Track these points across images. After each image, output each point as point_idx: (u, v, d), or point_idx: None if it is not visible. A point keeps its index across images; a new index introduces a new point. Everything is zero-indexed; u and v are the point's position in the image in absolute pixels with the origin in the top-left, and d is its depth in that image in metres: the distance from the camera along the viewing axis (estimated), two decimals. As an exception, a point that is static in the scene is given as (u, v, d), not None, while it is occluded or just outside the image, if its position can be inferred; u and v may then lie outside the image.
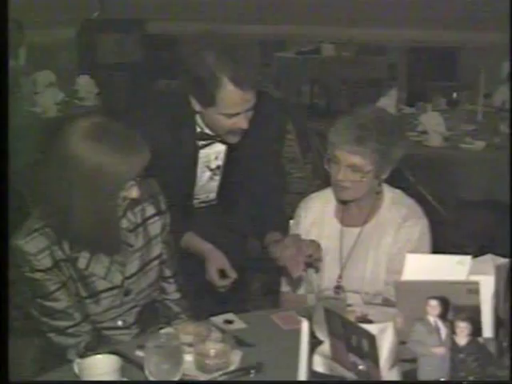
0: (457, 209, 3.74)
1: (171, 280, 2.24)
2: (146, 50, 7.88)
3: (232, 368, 1.76)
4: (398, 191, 2.33)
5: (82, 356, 1.96)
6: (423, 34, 7.94)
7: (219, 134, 2.32)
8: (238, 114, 2.20)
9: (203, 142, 2.37)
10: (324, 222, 2.35)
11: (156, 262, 2.16)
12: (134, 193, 1.94)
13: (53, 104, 5.03)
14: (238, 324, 2.00)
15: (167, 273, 2.23)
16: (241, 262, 2.62)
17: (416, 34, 8.04)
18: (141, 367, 1.73)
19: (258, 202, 2.49)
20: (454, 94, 4.95)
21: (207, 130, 2.33)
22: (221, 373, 1.73)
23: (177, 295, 2.26)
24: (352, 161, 2.16)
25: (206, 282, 2.37)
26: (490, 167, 3.89)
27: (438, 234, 2.40)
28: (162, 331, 1.62)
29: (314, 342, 1.75)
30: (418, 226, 2.25)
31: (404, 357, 1.04)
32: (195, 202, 2.50)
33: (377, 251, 2.25)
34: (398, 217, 2.26)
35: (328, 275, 2.30)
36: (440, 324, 1.05)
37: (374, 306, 2.10)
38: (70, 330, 2.01)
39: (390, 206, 2.29)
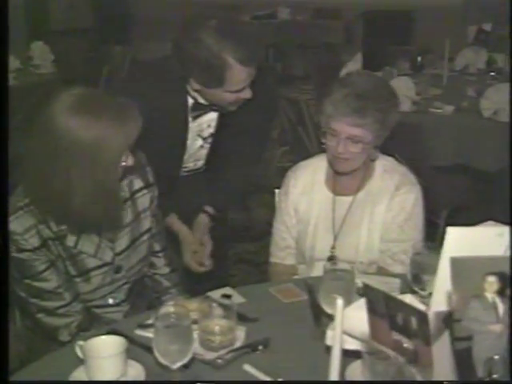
0: (428, 174, 3.73)
1: (160, 254, 2.18)
2: (99, 15, 7.65)
3: (238, 344, 1.71)
4: (390, 158, 2.29)
5: (75, 336, 1.90)
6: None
7: (220, 105, 2.29)
8: (243, 88, 2.20)
9: (197, 113, 2.31)
10: (314, 191, 2.30)
11: (146, 237, 2.08)
12: (130, 160, 1.85)
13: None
14: (237, 298, 1.94)
15: (156, 247, 2.16)
16: (222, 231, 2.60)
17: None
18: (144, 347, 1.67)
19: (245, 168, 2.48)
20: (419, 58, 4.94)
21: (202, 101, 2.28)
22: (227, 350, 1.68)
23: (166, 269, 2.20)
24: (353, 133, 2.09)
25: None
26: (459, 131, 3.89)
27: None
28: (169, 309, 1.54)
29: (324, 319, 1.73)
30: (412, 193, 2.21)
31: (459, 335, 1.00)
32: (183, 170, 2.45)
33: (370, 219, 2.21)
34: (391, 184, 2.22)
35: (321, 245, 2.26)
36: (498, 300, 1.02)
37: (370, 276, 2.08)
38: (60, 311, 1.93)
39: (382, 173, 2.25)
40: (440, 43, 5.02)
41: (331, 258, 2.24)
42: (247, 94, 2.22)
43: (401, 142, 3.82)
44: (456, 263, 1.01)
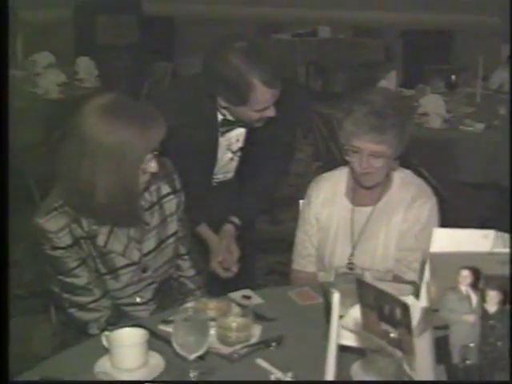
0: (457, 190, 3.79)
1: (186, 257, 2.30)
2: (142, 31, 7.87)
3: (253, 341, 1.81)
4: (407, 171, 2.38)
5: (104, 330, 2.03)
6: (419, 17, 7.96)
7: (245, 122, 2.42)
8: (268, 107, 2.32)
9: (226, 128, 2.45)
10: (335, 202, 2.40)
11: (172, 240, 2.21)
12: (153, 166, 1.98)
13: (54, 85, 5.03)
14: (256, 299, 2.05)
15: (182, 250, 2.28)
16: (250, 239, 2.73)
17: (412, 16, 8.06)
18: (165, 340, 1.79)
19: (271, 180, 2.60)
20: (453, 77, 5.01)
21: (230, 117, 2.41)
22: (242, 345, 1.79)
23: (191, 272, 2.32)
24: (374, 149, 2.19)
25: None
26: (489, 149, 3.94)
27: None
28: (188, 305, 1.66)
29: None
30: (428, 205, 2.30)
31: (436, 324, 1.10)
32: (213, 181, 2.59)
33: (387, 229, 2.31)
34: (408, 196, 2.31)
35: (340, 253, 2.35)
36: (471, 293, 1.11)
37: (385, 282, 2.16)
38: (91, 306, 2.06)
39: (400, 185, 2.34)
40: (475, 62, 5.09)
41: (349, 265, 2.34)
42: (271, 112, 2.33)
43: (431, 158, 3.92)
44: (434, 258, 1.10)
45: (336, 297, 1.33)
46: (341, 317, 1.80)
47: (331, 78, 8.69)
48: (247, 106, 2.31)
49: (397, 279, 2.27)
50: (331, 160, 4.47)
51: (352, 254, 2.35)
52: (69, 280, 2.03)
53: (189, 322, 1.61)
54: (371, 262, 2.30)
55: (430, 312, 1.10)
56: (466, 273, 1.10)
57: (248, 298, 2.06)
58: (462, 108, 4.45)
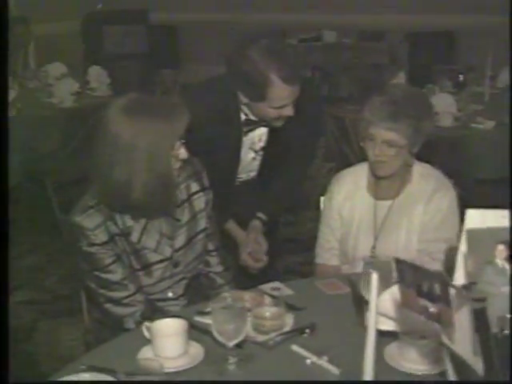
0: (471, 187, 3.85)
1: (214, 253, 2.37)
2: (150, 40, 7.96)
3: (287, 329, 1.88)
4: (425, 165, 2.45)
5: (140, 324, 2.10)
6: (423, 19, 8.03)
7: (266, 120, 2.49)
8: (286, 105, 2.39)
9: (249, 127, 2.52)
10: (357, 197, 2.47)
11: (201, 236, 2.28)
12: (183, 152, 2.05)
13: (68, 94, 5.12)
14: (285, 291, 2.12)
15: (210, 246, 2.35)
16: (275, 236, 2.80)
17: (416, 18, 8.14)
18: (202, 330, 1.86)
19: (292, 179, 2.68)
20: (461, 77, 5.08)
21: (252, 117, 2.48)
22: (277, 333, 1.86)
23: (220, 268, 2.39)
24: (387, 137, 2.27)
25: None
26: (500, 145, 4.00)
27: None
28: (226, 294, 1.74)
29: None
30: (447, 197, 2.37)
31: (474, 296, 1.16)
32: (237, 180, 2.66)
33: (409, 221, 2.38)
34: (428, 189, 2.38)
35: (362, 246, 2.42)
36: (507, 266, 1.18)
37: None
38: (126, 301, 2.13)
39: (419, 178, 2.41)
40: (482, 61, 5.16)
41: (372, 257, 2.40)
42: (289, 111, 2.40)
43: (444, 156, 3.99)
44: (470, 234, 1.17)
45: (374, 277, 1.40)
46: (367, 303, 1.90)
47: (337, 82, 8.76)
48: (265, 103, 2.37)
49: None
50: (344, 161, 4.55)
51: (374, 247, 2.41)
52: (104, 276, 2.11)
53: (227, 309, 1.68)
54: (394, 253, 2.34)
55: (467, 286, 1.17)
56: (501, 247, 1.17)
57: (277, 289, 2.13)
58: (471, 106, 4.51)
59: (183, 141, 2.05)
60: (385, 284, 1.84)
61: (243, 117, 2.51)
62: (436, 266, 2.31)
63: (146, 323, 1.81)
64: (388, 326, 1.69)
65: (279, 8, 8.20)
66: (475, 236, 1.16)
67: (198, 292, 2.36)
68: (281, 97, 2.36)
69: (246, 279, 2.57)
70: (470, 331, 1.16)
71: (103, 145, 2.04)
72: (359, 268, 2.41)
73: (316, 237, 2.59)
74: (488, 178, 3.92)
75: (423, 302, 1.23)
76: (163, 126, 1.99)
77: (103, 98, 5.45)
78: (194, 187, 2.27)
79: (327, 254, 2.53)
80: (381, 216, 2.43)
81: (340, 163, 4.69)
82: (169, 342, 1.74)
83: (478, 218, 1.27)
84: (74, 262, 2.28)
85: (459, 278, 1.25)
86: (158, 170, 2.01)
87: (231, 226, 2.67)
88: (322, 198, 2.68)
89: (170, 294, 2.24)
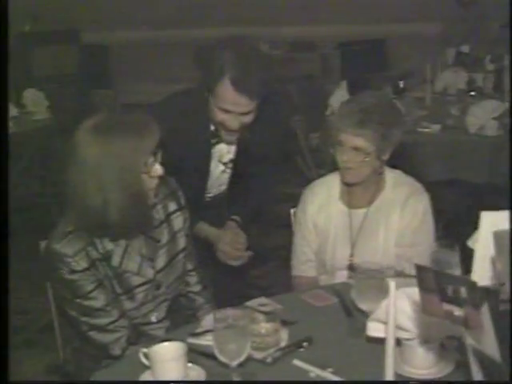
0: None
1: (193, 273, 2.34)
2: (81, 61, 7.84)
3: (283, 344, 1.86)
4: (397, 171, 2.48)
5: (126, 349, 2.05)
6: (354, 29, 8.19)
7: (217, 129, 2.45)
8: (229, 112, 2.34)
9: (216, 139, 2.49)
10: (330, 206, 2.47)
11: (182, 255, 2.24)
12: (158, 168, 2.01)
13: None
14: (274, 306, 2.10)
15: (189, 266, 2.32)
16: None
17: (346, 28, 8.29)
18: (198, 352, 1.82)
19: (264, 192, 2.65)
20: (401, 83, 5.17)
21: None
22: (275, 349, 1.83)
23: (199, 287, 2.36)
24: (355, 143, 2.29)
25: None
26: (448, 147, 4.11)
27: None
28: (228, 312, 1.70)
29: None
30: (422, 202, 2.41)
31: (503, 297, 1.17)
32: (207, 196, 2.62)
33: (386, 228, 2.39)
34: (402, 195, 2.41)
35: (340, 255, 2.43)
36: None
37: (392, 278, 2.24)
38: (110, 327, 2.07)
39: (392, 185, 2.43)
40: (419, 67, 5.30)
41: (350, 266, 2.42)
42: (232, 124, 2.35)
43: (395, 161, 4.05)
44: (498, 235, 1.19)
45: (392, 285, 1.40)
46: (363, 312, 1.90)
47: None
48: (213, 99, 2.34)
49: (399, 275, 2.35)
50: (298, 174, 4.56)
51: (352, 255, 2.42)
52: (87, 303, 2.04)
53: (229, 329, 1.65)
54: (373, 260, 2.37)
55: (498, 288, 1.19)
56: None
57: (265, 305, 2.10)
58: (415, 111, 4.61)
59: (158, 155, 2.01)
60: (378, 294, 1.85)
61: (212, 127, 2.48)
62: (414, 270, 2.34)
63: (144, 349, 1.75)
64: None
65: (216, 22, 8.19)
66: (503, 237, 1.18)
67: (178, 313, 2.32)
68: (225, 98, 2.31)
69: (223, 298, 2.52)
70: (494, 332, 1.17)
71: (73, 168, 1.98)
72: (338, 278, 2.43)
73: (271, 249, 2.58)
74: (440, 180, 4.01)
75: (447, 306, 1.24)
76: (133, 142, 1.95)
77: (43, 121, 5.32)
78: (172, 206, 2.23)
79: (304, 265, 2.52)
80: (356, 224, 2.44)
81: (294, 176, 4.71)
82: (169, 366, 1.69)
83: (492, 220, 1.28)
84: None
85: (477, 279, 1.26)
86: (131, 188, 1.97)
87: (201, 227, 2.60)
88: (292, 211, 2.68)
89: (154, 319, 2.19)
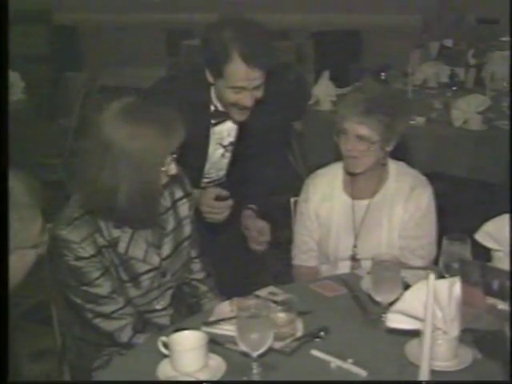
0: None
1: (196, 260, 2.30)
2: (52, 41, 7.70)
3: (299, 334, 1.85)
4: (401, 163, 2.48)
5: (133, 337, 2.02)
6: (328, 18, 8.19)
7: (227, 109, 2.41)
8: (243, 89, 2.30)
9: (216, 120, 2.44)
10: (333, 197, 2.46)
11: (187, 243, 2.21)
12: (173, 168, 1.98)
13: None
14: (284, 295, 2.08)
15: (193, 253, 2.28)
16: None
17: (321, 17, 8.28)
18: (215, 342, 1.79)
19: (265, 178, 2.61)
20: (383, 75, 5.18)
21: (220, 107, 2.41)
22: (292, 339, 1.82)
23: (202, 274, 2.33)
24: (359, 131, 2.28)
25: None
26: (433, 140, 4.13)
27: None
28: (250, 302, 1.68)
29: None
30: (426, 194, 2.40)
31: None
32: (205, 180, 2.57)
33: (389, 219, 2.39)
34: (406, 187, 2.41)
35: (343, 246, 2.42)
36: None
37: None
38: (116, 314, 2.04)
39: (396, 177, 2.43)
40: (399, 60, 5.32)
41: (353, 257, 2.41)
42: (247, 100, 2.32)
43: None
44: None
45: (432, 278, 1.39)
46: (378, 304, 1.90)
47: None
48: (223, 80, 2.30)
49: (402, 266, 2.35)
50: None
51: (355, 246, 2.42)
52: (92, 290, 2.00)
53: (253, 318, 1.63)
54: (375, 251, 2.37)
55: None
56: None
57: (275, 294, 2.08)
58: (399, 103, 4.61)
59: (175, 156, 1.98)
60: (393, 286, 1.86)
61: (212, 108, 2.44)
62: (418, 262, 2.35)
63: (162, 338, 1.72)
64: (409, 324, 1.69)
65: (188, 8, 8.11)
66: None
67: (182, 301, 2.29)
68: (238, 76, 2.27)
69: (226, 286, 2.48)
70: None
71: (93, 147, 1.94)
72: (341, 268, 2.42)
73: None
74: (423, 173, 4.02)
75: (491, 299, 1.23)
76: (160, 139, 1.92)
77: (19, 102, 5.19)
78: (178, 193, 2.20)
79: (305, 255, 2.51)
80: (359, 215, 2.43)
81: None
82: (189, 355, 1.66)
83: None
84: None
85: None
86: (145, 180, 1.93)
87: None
88: (292, 200, 2.67)
89: (159, 306, 2.15)
